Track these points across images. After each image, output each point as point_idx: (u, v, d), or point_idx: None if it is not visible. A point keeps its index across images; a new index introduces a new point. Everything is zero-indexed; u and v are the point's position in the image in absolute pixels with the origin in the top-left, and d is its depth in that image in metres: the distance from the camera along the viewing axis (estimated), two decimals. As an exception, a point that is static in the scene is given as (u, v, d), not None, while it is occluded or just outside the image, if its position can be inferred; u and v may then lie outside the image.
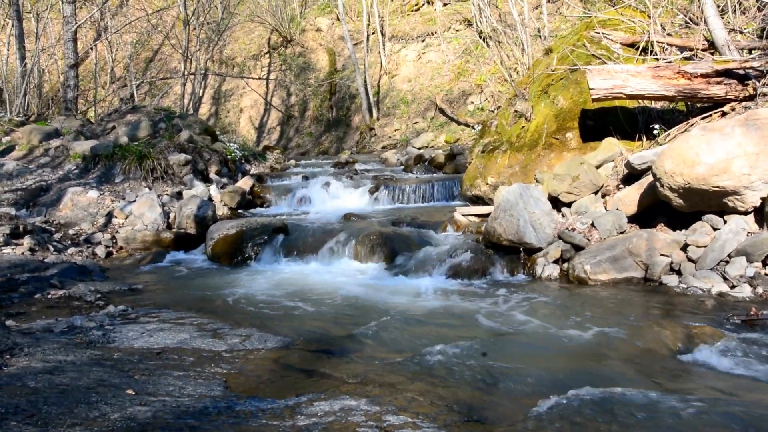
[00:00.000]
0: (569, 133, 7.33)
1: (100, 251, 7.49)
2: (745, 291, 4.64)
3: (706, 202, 5.19)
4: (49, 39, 18.37)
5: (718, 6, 7.16)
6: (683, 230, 5.42)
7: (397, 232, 6.99)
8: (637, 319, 4.23)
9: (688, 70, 6.08)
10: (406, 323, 4.26)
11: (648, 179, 5.75)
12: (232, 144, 12.80)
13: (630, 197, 5.91)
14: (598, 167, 6.58)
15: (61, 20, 13.59)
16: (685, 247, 5.20)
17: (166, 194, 9.14)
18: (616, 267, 5.37)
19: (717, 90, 6.05)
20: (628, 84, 6.27)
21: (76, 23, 13.06)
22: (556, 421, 2.64)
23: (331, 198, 9.97)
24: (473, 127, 15.34)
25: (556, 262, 5.78)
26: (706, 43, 7.09)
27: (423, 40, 19.53)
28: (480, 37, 16.57)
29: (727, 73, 6.03)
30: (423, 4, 20.50)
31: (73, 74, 12.89)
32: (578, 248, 5.71)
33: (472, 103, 16.76)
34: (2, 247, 6.78)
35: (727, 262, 4.94)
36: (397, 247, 6.58)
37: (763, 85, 5.84)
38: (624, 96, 6.42)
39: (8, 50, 15.28)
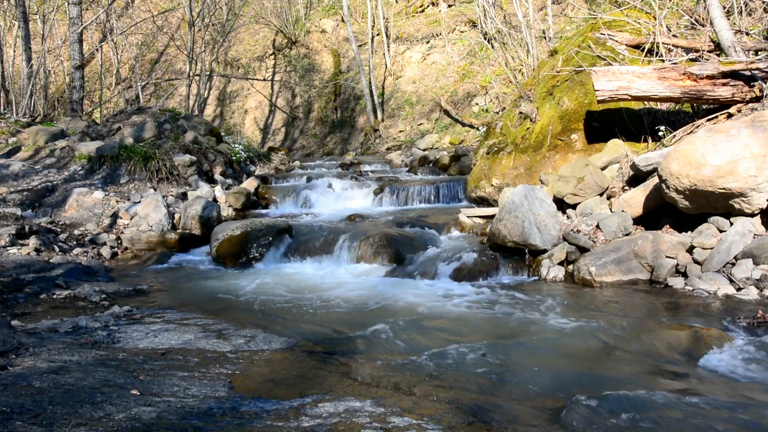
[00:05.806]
0: (574, 134, 7.32)
1: (105, 252, 7.51)
2: (751, 293, 4.61)
3: (712, 204, 5.17)
4: (55, 40, 18.47)
5: (724, 7, 7.13)
6: (689, 232, 5.40)
7: (401, 234, 6.99)
8: (643, 322, 4.21)
9: (694, 72, 6.06)
10: (410, 325, 4.26)
11: (653, 181, 5.73)
12: (236, 145, 12.81)
13: (635, 199, 5.89)
14: (603, 169, 6.56)
15: (67, 22, 13.65)
16: (690, 249, 5.18)
17: (171, 195, 9.17)
18: (621, 269, 5.35)
19: (723, 91, 6.03)
20: (634, 85, 6.25)
21: (82, 25, 13.11)
22: (559, 422, 2.64)
23: (336, 199, 9.97)
24: (478, 129, 15.32)
25: (561, 263, 5.76)
26: (712, 44, 7.06)
27: (427, 42, 19.53)
28: (485, 39, 16.54)
29: (733, 75, 6.01)
30: (428, 6, 20.51)
31: (79, 75, 12.93)
32: (583, 250, 5.69)
33: (477, 104, 16.74)
34: (8, 248, 6.80)
35: (734, 264, 4.91)
36: (401, 249, 6.58)
37: (770, 86, 5.81)
38: (629, 97, 6.40)
39: (15, 52, 15.37)
